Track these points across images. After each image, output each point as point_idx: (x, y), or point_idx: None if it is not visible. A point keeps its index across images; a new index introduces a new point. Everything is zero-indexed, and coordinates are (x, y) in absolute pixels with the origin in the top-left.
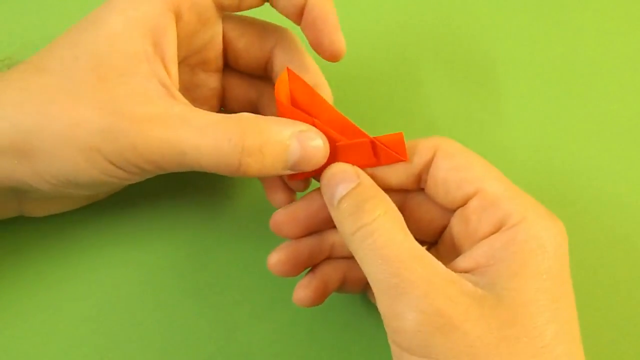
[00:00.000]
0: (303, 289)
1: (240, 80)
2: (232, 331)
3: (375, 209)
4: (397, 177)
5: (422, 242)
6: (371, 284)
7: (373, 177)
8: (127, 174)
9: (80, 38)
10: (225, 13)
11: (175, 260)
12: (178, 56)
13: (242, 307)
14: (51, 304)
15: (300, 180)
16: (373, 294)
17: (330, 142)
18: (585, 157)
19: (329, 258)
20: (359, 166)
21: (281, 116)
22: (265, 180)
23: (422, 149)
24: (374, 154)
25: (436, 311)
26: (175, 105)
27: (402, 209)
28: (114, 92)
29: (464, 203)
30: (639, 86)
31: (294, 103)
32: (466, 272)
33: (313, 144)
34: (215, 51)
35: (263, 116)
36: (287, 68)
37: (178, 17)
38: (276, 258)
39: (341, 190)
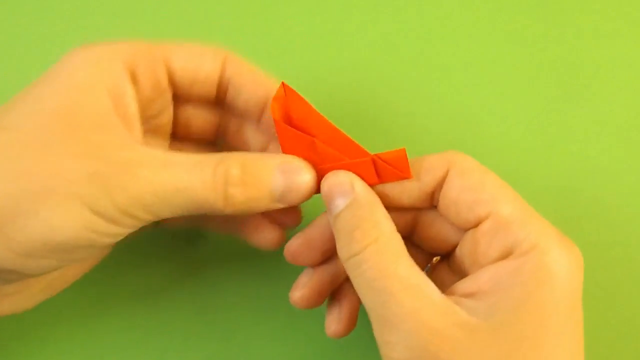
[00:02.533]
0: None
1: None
2: (232, 332)
3: (365, 237)
4: (408, 197)
5: (433, 255)
6: (365, 309)
7: (384, 196)
8: (112, 227)
9: (43, 92)
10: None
11: (174, 260)
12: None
13: (241, 307)
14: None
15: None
16: None
17: (330, 161)
18: (585, 157)
19: (347, 278)
20: None
21: (279, 136)
22: (249, 221)
23: (434, 166)
24: (376, 172)
25: (423, 347)
26: (156, 150)
27: (414, 226)
28: (92, 140)
29: (475, 225)
30: (639, 86)
31: (291, 121)
32: (467, 296)
33: (298, 176)
34: (166, 119)
35: (246, 152)
36: (282, 83)
37: (134, 81)
38: (299, 295)
39: (338, 206)
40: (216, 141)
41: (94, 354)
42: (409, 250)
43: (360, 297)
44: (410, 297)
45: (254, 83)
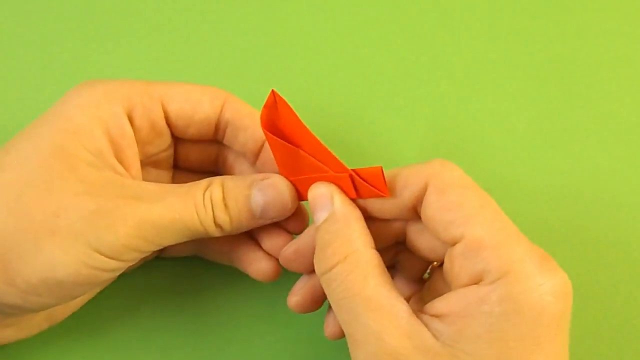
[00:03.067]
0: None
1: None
2: (232, 331)
3: (334, 256)
4: (389, 211)
5: (429, 261)
6: None
7: (366, 209)
8: (112, 262)
9: (42, 131)
10: None
11: (174, 260)
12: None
13: (241, 307)
14: None
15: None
16: None
17: (312, 172)
18: (585, 157)
19: None
20: None
21: (269, 142)
22: (246, 253)
23: (411, 181)
24: (354, 187)
25: None
26: (152, 184)
27: (403, 236)
28: (91, 179)
29: (452, 244)
30: (639, 86)
31: (279, 131)
32: (437, 316)
33: (276, 192)
34: (167, 154)
35: (228, 176)
36: (273, 90)
37: (131, 123)
38: (295, 301)
39: (319, 217)
40: (216, 170)
41: (94, 354)
42: (405, 255)
43: (334, 311)
44: (375, 319)
45: (252, 126)
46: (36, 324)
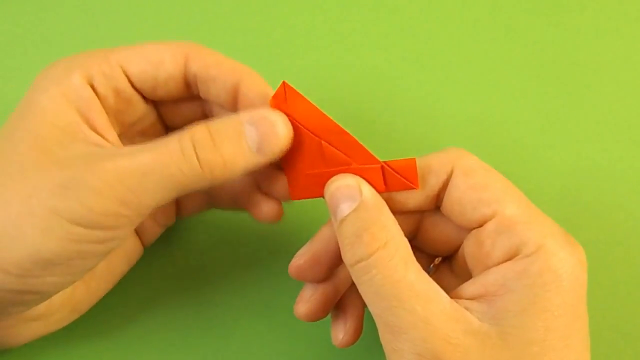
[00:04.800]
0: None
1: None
2: (232, 330)
3: (374, 241)
4: (414, 200)
5: (434, 256)
6: (372, 315)
7: (389, 200)
8: (95, 232)
9: (15, 124)
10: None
11: (174, 259)
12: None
13: (241, 306)
14: None
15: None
16: None
17: (337, 165)
18: (585, 157)
19: (351, 285)
20: None
21: None
22: (249, 196)
23: (438, 167)
24: (384, 180)
25: (434, 355)
26: (125, 148)
27: (417, 228)
28: (59, 156)
29: (480, 224)
30: (639, 86)
31: (292, 123)
32: (474, 299)
33: (271, 123)
34: (150, 120)
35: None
36: (284, 82)
37: (94, 91)
38: (305, 309)
39: (343, 209)
40: None
41: (94, 353)
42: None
43: (367, 303)
44: (421, 304)
45: (220, 75)
46: (63, 316)
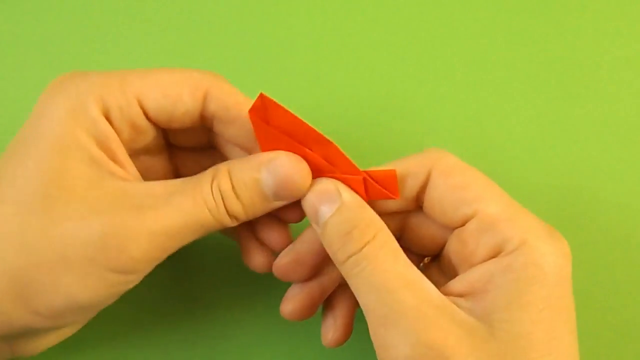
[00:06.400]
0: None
1: (190, 155)
2: (232, 330)
3: (363, 236)
4: (394, 202)
5: (424, 256)
6: (363, 311)
7: (370, 202)
8: (131, 276)
9: (30, 154)
10: None
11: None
12: None
13: (241, 307)
14: None
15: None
16: None
17: (320, 174)
18: (585, 157)
19: (340, 284)
20: None
21: (262, 147)
22: (241, 242)
23: (415, 169)
24: (365, 189)
25: (426, 344)
26: (154, 185)
27: (401, 228)
28: (91, 196)
29: (462, 224)
30: (639, 86)
31: (276, 132)
32: (461, 296)
33: (286, 170)
34: (157, 141)
35: (232, 160)
36: (261, 93)
37: (110, 123)
38: (290, 308)
39: (325, 212)
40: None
41: (94, 353)
42: None
43: (359, 297)
44: (411, 293)
45: (240, 117)
46: (74, 324)
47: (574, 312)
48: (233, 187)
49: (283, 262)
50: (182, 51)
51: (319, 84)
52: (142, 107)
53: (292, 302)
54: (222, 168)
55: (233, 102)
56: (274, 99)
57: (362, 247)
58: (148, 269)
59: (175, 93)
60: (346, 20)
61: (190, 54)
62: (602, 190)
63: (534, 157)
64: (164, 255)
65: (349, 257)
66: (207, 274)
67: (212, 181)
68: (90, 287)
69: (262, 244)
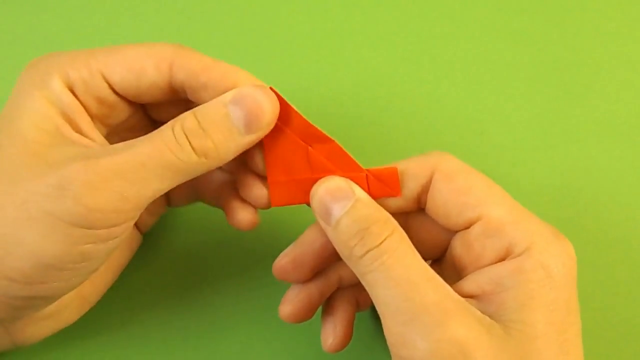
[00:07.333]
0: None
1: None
2: (232, 330)
3: (383, 230)
4: (394, 202)
5: (424, 259)
6: (378, 308)
7: None
8: (97, 232)
9: (3, 129)
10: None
11: (174, 259)
12: (100, 132)
13: (241, 307)
14: None
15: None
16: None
17: (322, 173)
18: (585, 157)
19: (339, 288)
20: None
21: (265, 141)
22: (224, 206)
23: (418, 171)
24: (367, 187)
25: (450, 339)
26: (117, 144)
27: (404, 229)
28: (51, 159)
29: (466, 227)
30: (639, 86)
31: (280, 128)
32: (471, 297)
33: (254, 99)
34: (137, 117)
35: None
36: (271, 88)
37: (75, 97)
38: (289, 310)
39: (338, 210)
40: None
41: (94, 353)
42: None
43: (376, 293)
44: (433, 289)
45: (211, 80)
46: (72, 312)
47: (579, 314)
48: (200, 124)
49: (282, 262)
50: None
51: (319, 83)
52: (107, 82)
53: (290, 304)
54: (185, 112)
55: (201, 68)
56: (281, 95)
57: (382, 242)
58: (118, 222)
59: (139, 66)
60: (347, 19)
61: None
62: (602, 190)
63: (534, 157)
64: (129, 207)
65: (368, 251)
66: (207, 274)
67: (175, 123)
68: (54, 243)
69: (244, 202)
